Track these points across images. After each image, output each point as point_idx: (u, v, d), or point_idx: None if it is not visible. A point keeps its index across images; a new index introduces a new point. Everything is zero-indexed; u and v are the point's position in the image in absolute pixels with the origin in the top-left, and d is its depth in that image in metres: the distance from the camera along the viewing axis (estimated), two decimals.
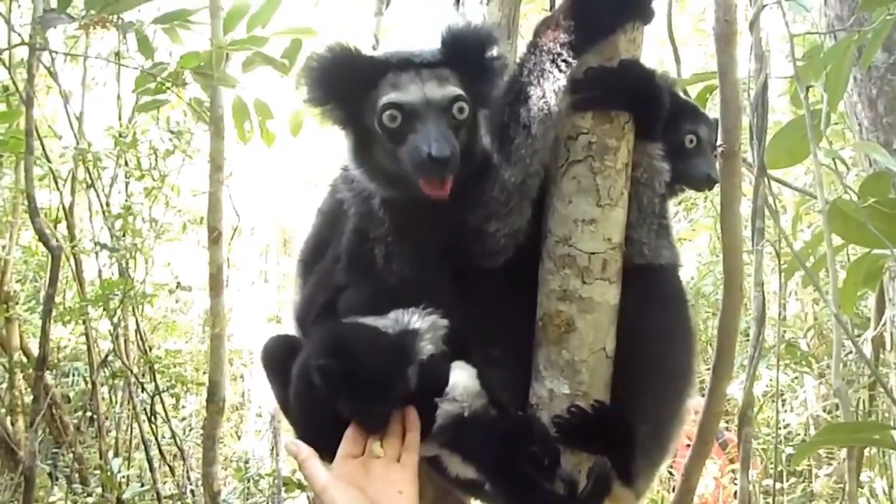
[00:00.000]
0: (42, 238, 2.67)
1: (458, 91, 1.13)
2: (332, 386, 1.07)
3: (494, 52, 1.18)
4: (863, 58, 1.85)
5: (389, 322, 1.14)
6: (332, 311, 1.21)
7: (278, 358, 1.32)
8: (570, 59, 1.07)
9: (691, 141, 1.28)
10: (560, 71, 1.07)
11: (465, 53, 1.16)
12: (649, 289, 1.14)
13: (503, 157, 1.11)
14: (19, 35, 2.83)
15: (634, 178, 1.14)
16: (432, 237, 1.19)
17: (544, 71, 1.07)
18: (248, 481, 3.56)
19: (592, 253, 1.10)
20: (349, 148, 1.23)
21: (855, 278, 1.72)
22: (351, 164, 1.24)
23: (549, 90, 1.06)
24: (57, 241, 2.91)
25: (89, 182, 3.87)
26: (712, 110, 1.97)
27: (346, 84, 1.16)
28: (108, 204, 3.91)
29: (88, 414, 4.17)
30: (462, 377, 1.13)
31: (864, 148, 2.03)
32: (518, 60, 1.13)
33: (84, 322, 3.70)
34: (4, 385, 3.96)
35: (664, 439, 1.19)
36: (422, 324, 1.13)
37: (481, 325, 1.18)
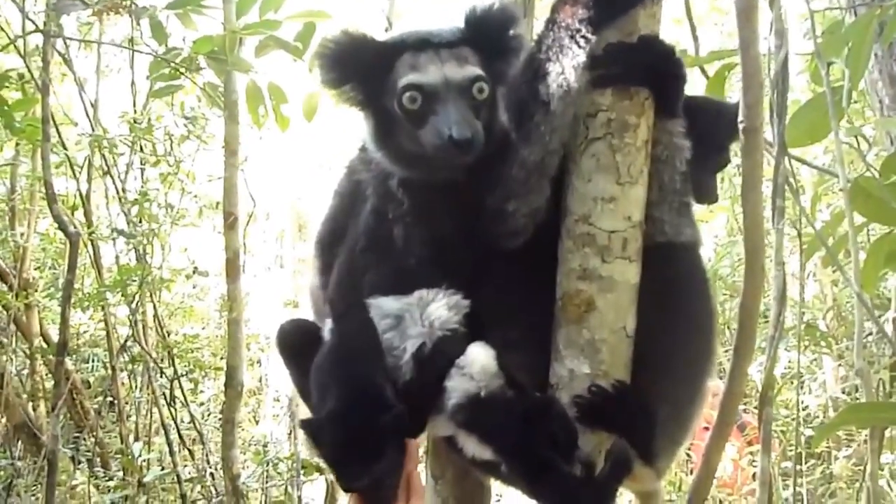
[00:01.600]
0: (60, 224, 2.70)
1: (478, 71, 1.12)
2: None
3: (515, 31, 1.17)
4: (884, 34, 1.81)
5: (413, 300, 1.14)
6: (358, 294, 1.21)
7: (294, 343, 1.33)
8: (588, 35, 1.06)
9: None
10: (579, 47, 1.05)
11: (486, 32, 1.16)
12: (671, 267, 1.13)
13: (522, 136, 1.10)
14: (33, 22, 2.84)
15: (655, 156, 1.12)
16: (451, 218, 1.18)
17: (563, 47, 1.05)
18: (267, 464, 3.58)
19: (612, 231, 1.09)
20: (368, 130, 1.22)
21: (876, 258, 1.69)
22: (370, 146, 1.23)
23: (568, 66, 1.05)
24: (74, 227, 2.93)
25: (105, 169, 3.89)
26: (731, 88, 1.95)
27: (364, 65, 1.16)
28: (124, 190, 3.93)
29: (108, 399, 4.22)
30: (480, 356, 1.12)
31: (887, 125, 2.00)
32: (536, 37, 1.12)
33: (103, 308, 3.74)
34: (25, 371, 4.01)
35: (685, 418, 1.19)
36: (445, 302, 1.13)
37: (500, 305, 1.17)
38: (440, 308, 1.13)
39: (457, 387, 1.10)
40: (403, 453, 1.10)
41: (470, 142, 1.07)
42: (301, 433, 1.47)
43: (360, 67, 1.16)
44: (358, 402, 1.10)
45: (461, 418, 1.11)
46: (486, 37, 1.15)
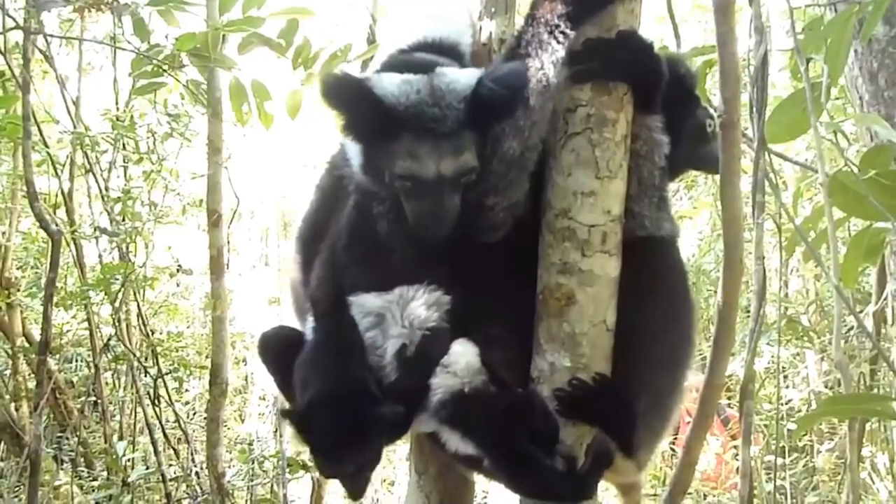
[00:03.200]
0: (42, 223, 2.67)
1: (473, 163, 1.13)
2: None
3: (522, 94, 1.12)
4: (863, 31, 1.83)
5: (394, 298, 1.14)
6: (340, 290, 1.21)
7: (277, 350, 1.33)
8: (567, 31, 1.06)
9: (710, 125, 1.28)
10: (558, 42, 1.06)
11: (490, 111, 1.13)
12: (651, 261, 1.15)
13: (501, 131, 1.10)
14: (13, 19, 2.81)
15: (634, 151, 1.13)
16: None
17: (542, 42, 1.06)
18: (253, 463, 3.57)
19: (592, 225, 1.10)
20: (357, 157, 1.22)
21: (856, 252, 1.71)
22: (354, 165, 1.23)
23: (547, 62, 1.06)
24: (57, 226, 2.90)
25: (88, 167, 3.86)
26: (712, 85, 1.96)
27: (365, 125, 1.16)
28: (107, 188, 3.89)
29: (92, 398, 4.19)
30: (464, 353, 1.13)
31: (866, 120, 2.02)
32: (516, 33, 1.12)
33: (86, 307, 3.71)
34: (8, 371, 3.97)
35: (665, 410, 1.20)
36: (425, 300, 1.14)
37: (481, 300, 1.18)
38: (420, 307, 1.14)
39: (441, 384, 1.11)
40: (383, 446, 1.12)
41: (440, 232, 1.14)
42: (286, 427, 1.48)
43: (361, 125, 1.16)
44: (342, 392, 1.11)
45: (445, 414, 1.12)
46: (490, 114, 1.13)
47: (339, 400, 1.12)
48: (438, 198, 1.13)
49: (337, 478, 1.16)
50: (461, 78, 1.14)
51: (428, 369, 1.13)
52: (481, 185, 1.13)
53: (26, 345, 3.88)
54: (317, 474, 3.57)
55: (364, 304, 1.18)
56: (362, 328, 1.17)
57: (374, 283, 1.18)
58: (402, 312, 1.15)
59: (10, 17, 2.80)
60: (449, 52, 1.36)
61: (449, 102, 1.12)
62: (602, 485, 1.21)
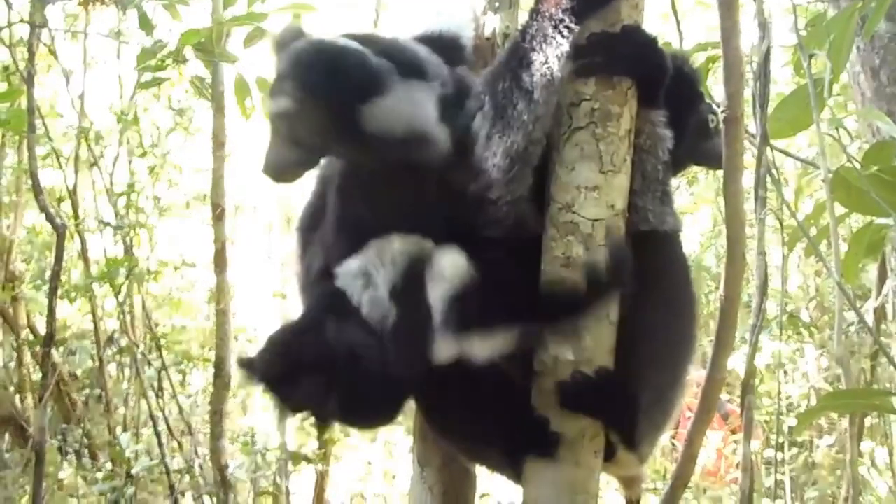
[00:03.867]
0: (47, 216, 2.69)
1: None
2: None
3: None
4: (866, 27, 1.83)
5: (372, 252, 1.13)
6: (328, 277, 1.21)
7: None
8: (572, 25, 1.07)
9: (713, 120, 1.29)
10: (562, 36, 1.06)
11: None
12: (654, 255, 1.15)
13: (504, 125, 1.11)
14: (18, 13, 2.82)
15: (637, 146, 1.14)
16: (433, 206, 1.19)
17: (546, 36, 1.07)
18: (256, 455, 3.59)
19: (595, 220, 1.10)
20: None
21: (857, 248, 1.72)
22: None
23: (551, 56, 1.06)
24: (61, 219, 2.92)
25: (92, 160, 3.87)
26: (715, 81, 1.97)
27: None
28: (111, 182, 3.91)
29: (96, 391, 4.21)
30: (447, 258, 1.12)
31: (868, 116, 2.03)
32: (520, 26, 1.13)
33: (90, 300, 3.72)
34: (13, 363, 3.99)
35: (667, 404, 1.20)
36: (400, 240, 1.13)
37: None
38: (396, 245, 1.12)
39: (437, 297, 1.09)
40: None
41: None
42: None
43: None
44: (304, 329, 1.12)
45: (454, 323, 1.08)
46: None
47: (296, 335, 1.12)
48: None
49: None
50: None
51: (422, 294, 1.10)
52: (484, 178, 1.14)
53: (31, 337, 3.90)
54: (319, 466, 3.59)
55: (349, 270, 1.14)
56: (357, 294, 1.12)
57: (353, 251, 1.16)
58: (382, 259, 1.12)
59: (15, 10, 2.81)
60: (448, 45, 1.37)
61: None
62: (604, 478, 1.22)
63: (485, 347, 1.10)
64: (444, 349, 1.10)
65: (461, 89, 1.21)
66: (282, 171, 1.23)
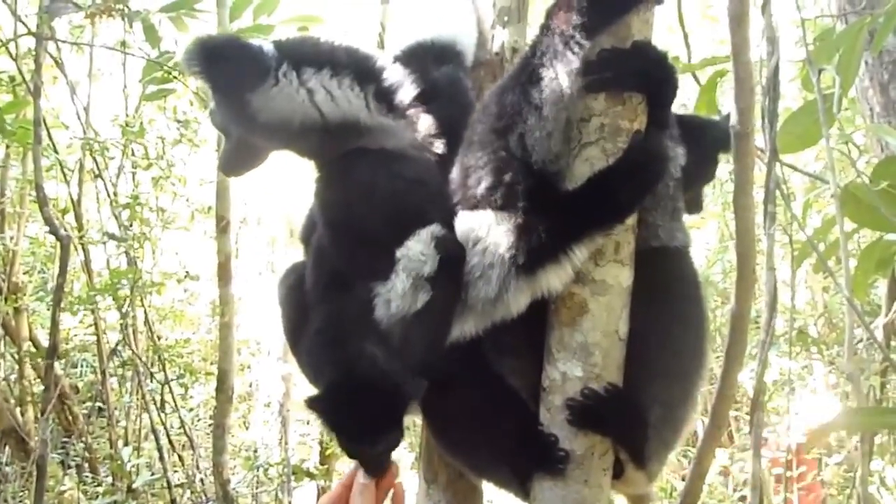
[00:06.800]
0: (51, 228, 2.68)
1: None
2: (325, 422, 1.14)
3: None
4: (874, 42, 1.83)
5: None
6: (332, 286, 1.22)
7: (290, 286, 1.35)
8: (583, 42, 1.06)
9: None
10: (573, 53, 1.05)
11: None
12: (664, 271, 1.14)
13: (515, 140, 1.10)
14: (25, 25, 2.83)
15: None
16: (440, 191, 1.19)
17: (557, 52, 1.06)
18: (258, 470, 3.57)
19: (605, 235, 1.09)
20: None
21: (867, 264, 1.71)
22: None
23: (561, 72, 1.05)
24: (65, 230, 2.91)
25: (97, 172, 3.88)
26: (723, 94, 1.97)
27: None
28: (115, 194, 3.91)
29: (98, 404, 4.19)
30: (416, 246, 1.12)
31: (877, 131, 2.02)
32: (531, 42, 1.12)
33: (93, 312, 3.72)
34: (14, 376, 3.98)
35: (677, 421, 1.19)
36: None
37: None
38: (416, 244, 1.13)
39: (492, 254, 1.09)
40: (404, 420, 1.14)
41: None
42: (291, 433, 1.49)
43: None
44: (359, 375, 1.12)
45: (525, 265, 1.07)
46: None
47: (357, 382, 1.11)
48: None
49: (362, 458, 1.15)
50: None
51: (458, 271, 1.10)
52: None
53: (33, 349, 3.88)
54: (322, 482, 3.56)
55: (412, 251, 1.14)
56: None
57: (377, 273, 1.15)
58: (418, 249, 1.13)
59: (22, 22, 2.82)
60: (441, 53, 1.37)
61: None
62: (612, 497, 1.20)
63: (561, 276, 1.09)
64: (521, 298, 1.10)
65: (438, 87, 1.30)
66: (230, 166, 1.38)
